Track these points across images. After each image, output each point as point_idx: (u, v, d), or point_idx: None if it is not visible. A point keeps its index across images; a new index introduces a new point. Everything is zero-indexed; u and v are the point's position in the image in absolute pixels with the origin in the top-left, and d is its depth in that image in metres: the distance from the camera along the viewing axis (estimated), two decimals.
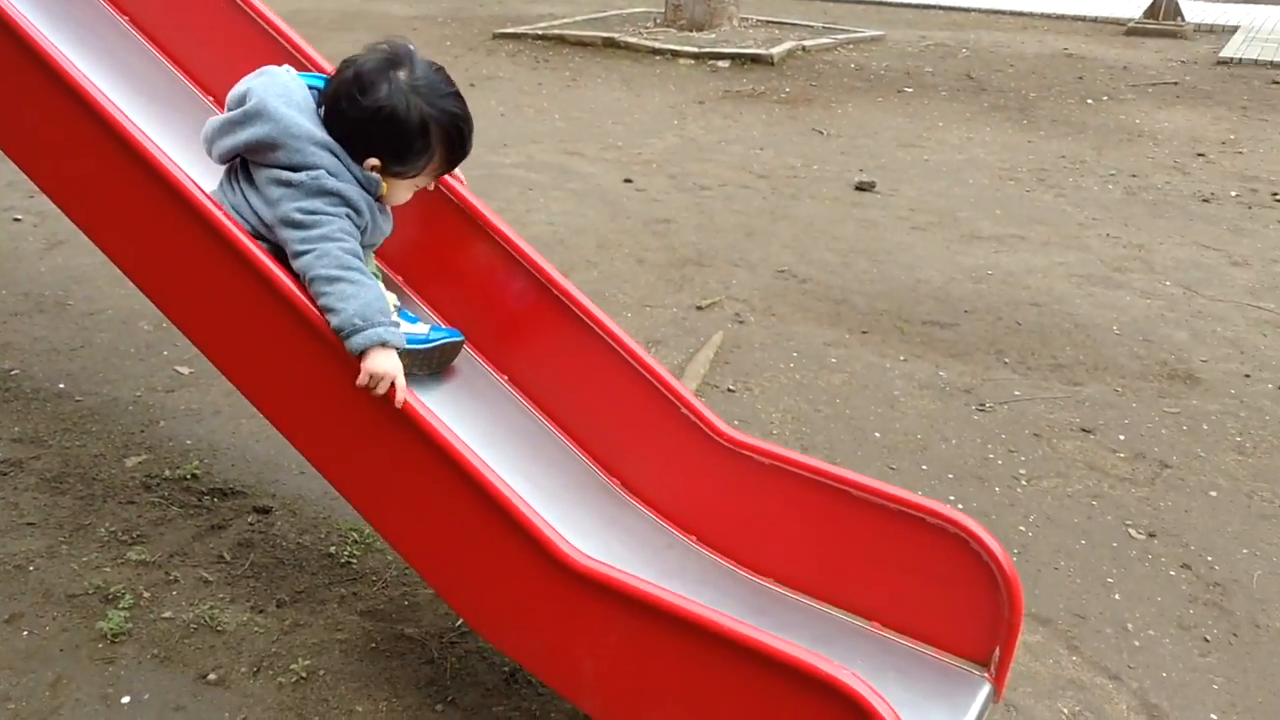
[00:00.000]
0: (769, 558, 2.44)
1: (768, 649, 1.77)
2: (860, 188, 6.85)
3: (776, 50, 10.78)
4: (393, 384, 1.98)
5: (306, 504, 3.10)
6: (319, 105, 2.12)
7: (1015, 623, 2.16)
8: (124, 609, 2.62)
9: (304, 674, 2.46)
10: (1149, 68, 11.31)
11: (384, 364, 1.96)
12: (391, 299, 2.30)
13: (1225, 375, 4.46)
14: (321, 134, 2.05)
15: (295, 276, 2.08)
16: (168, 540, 2.89)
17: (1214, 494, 3.56)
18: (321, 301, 1.99)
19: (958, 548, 2.18)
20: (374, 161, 2.10)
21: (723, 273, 5.28)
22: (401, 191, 2.22)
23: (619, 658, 1.96)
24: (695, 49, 10.83)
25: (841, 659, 1.77)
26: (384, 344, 1.98)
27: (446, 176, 2.38)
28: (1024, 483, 3.56)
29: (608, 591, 1.91)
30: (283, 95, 2.06)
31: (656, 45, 10.94)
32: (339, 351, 2.03)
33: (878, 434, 3.83)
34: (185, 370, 3.83)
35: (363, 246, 2.12)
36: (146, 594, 2.68)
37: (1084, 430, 3.93)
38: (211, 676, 2.44)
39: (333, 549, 2.91)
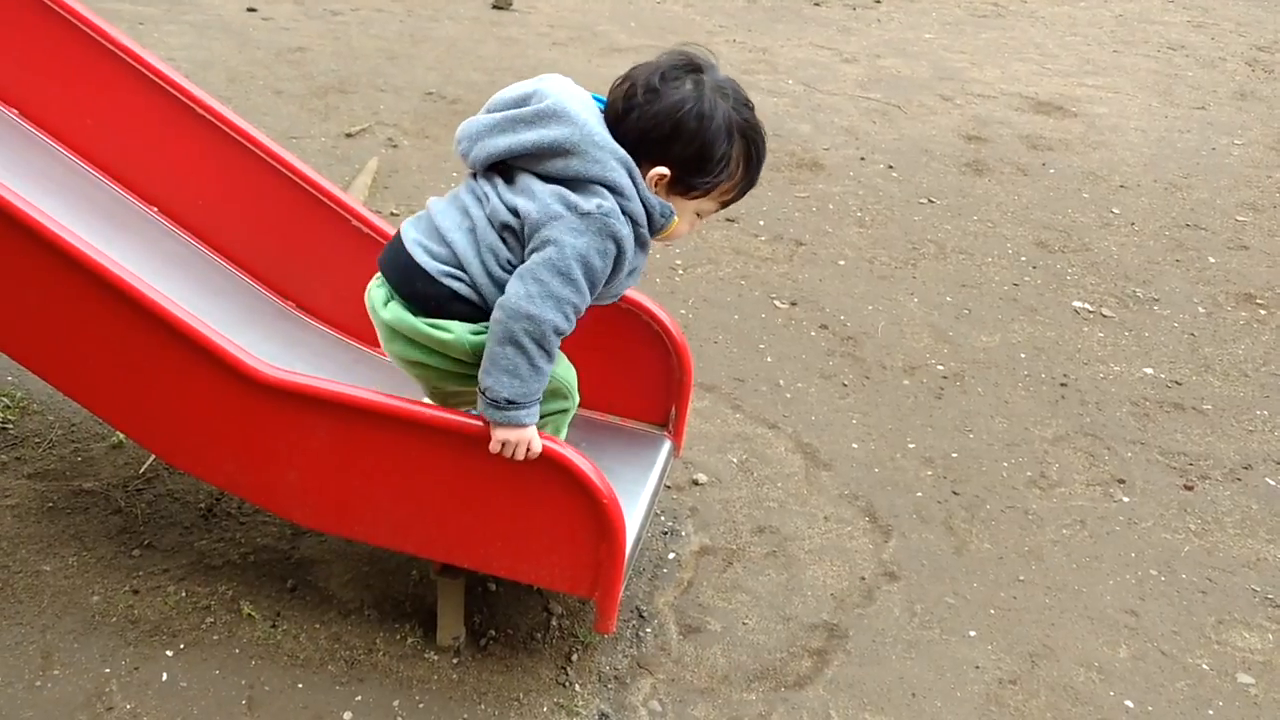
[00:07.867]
0: None
1: (482, 431, 1.86)
2: (497, 6, 6.78)
3: None
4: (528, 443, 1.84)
5: None
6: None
7: (686, 382, 2.38)
8: None
9: None
10: None
11: (512, 435, 1.82)
12: None
13: (844, 160, 4.93)
14: (620, 148, 1.78)
15: None
16: None
17: (842, 263, 3.99)
18: (488, 351, 1.78)
19: (631, 323, 2.34)
20: (661, 171, 1.80)
21: (368, 99, 5.11)
22: (684, 220, 1.90)
23: (323, 463, 1.98)
24: None
25: None
26: (518, 425, 1.81)
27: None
28: (681, 272, 3.83)
29: (302, 399, 1.91)
30: (579, 100, 1.79)
31: None
32: None
33: None
34: None
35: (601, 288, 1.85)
36: None
37: (729, 220, 4.24)
38: None
39: None
